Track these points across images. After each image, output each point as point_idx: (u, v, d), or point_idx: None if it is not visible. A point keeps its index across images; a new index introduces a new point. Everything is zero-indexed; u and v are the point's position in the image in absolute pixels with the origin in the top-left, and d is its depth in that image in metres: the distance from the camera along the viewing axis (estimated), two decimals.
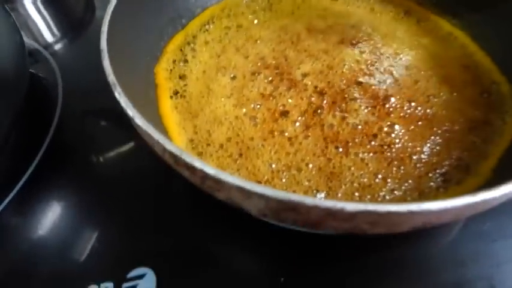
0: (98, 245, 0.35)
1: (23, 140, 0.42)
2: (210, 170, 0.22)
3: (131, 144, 0.43)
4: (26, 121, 0.42)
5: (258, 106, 0.37)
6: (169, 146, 0.23)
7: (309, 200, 0.20)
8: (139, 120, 0.25)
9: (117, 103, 0.28)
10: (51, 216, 0.38)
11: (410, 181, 0.32)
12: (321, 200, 0.20)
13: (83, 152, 0.43)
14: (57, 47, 0.57)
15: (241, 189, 0.22)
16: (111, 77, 0.28)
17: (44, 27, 0.60)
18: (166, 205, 0.37)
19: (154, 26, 0.43)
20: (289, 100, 0.37)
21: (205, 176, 0.23)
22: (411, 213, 0.20)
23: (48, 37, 0.59)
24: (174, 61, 0.42)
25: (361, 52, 0.42)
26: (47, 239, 0.36)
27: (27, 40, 0.50)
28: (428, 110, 0.37)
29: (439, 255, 0.32)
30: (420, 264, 0.32)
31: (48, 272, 0.34)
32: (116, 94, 0.27)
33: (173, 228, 0.35)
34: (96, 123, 0.47)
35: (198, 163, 0.22)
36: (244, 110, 0.36)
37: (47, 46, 0.56)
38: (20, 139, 0.41)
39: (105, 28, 0.32)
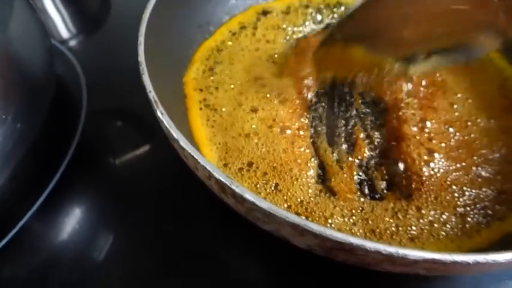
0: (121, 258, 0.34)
1: (49, 146, 0.41)
2: (262, 203, 0.21)
3: (153, 144, 0.42)
4: (51, 126, 0.41)
5: (294, 123, 0.36)
6: (218, 175, 0.22)
7: (370, 244, 0.19)
8: (184, 143, 0.24)
9: (156, 118, 0.27)
10: (76, 224, 0.37)
11: (447, 213, 0.31)
12: (383, 244, 0.19)
13: (107, 155, 0.42)
14: (75, 42, 0.55)
15: (294, 226, 0.21)
16: (152, 94, 0.27)
17: (60, 21, 0.59)
18: (185, 211, 0.36)
19: (184, 34, 0.42)
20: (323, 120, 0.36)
21: (255, 208, 0.22)
22: (477, 264, 0.19)
23: (65, 32, 0.57)
24: (203, 71, 0.41)
25: None
26: (71, 246, 0.35)
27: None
28: (466, 137, 0.36)
29: None
30: None
31: (66, 279, 0.33)
32: (158, 113, 0.26)
33: (190, 237, 0.34)
34: (120, 123, 0.46)
35: (249, 195, 0.21)
36: (277, 128, 0.35)
37: (64, 41, 0.54)
38: (46, 145, 0.40)
39: (141, 39, 0.31)
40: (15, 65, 0.34)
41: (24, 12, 0.38)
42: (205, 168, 0.23)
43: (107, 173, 0.40)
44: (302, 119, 0.36)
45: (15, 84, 0.34)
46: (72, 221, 0.37)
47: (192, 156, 0.23)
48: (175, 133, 0.25)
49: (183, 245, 0.34)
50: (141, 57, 0.30)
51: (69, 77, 0.49)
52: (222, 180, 0.22)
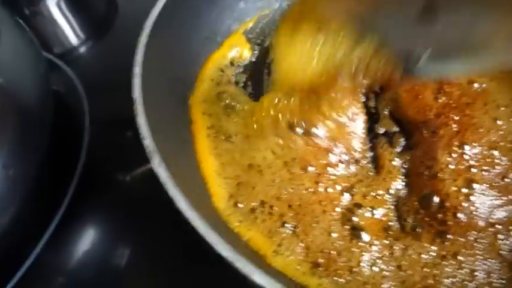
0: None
1: (52, 174, 0.38)
2: None
3: None
4: (53, 153, 0.38)
5: (318, 159, 0.31)
6: (225, 252, 0.19)
7: None
8: (190, 215, 0.20)
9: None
10: (90, 247, 0.35)
11: (491, 260, 0.27)
12: None
13: (117, 173, 0.40)
14: (76, 51, 0.52)
15: None
16: (148, 141, 0.23)
17: (69, 29, 0.55)
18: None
19: (190, 48, 0.38)
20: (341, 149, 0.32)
21: None
22: None
23: (74, 40, 0.54)
24: (210, 91, 0.37)
25: None
26: (87, 270, 0.34)
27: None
28: None
29: None
30: None
31: None
32: (155, 166, 0.22)
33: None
34: (128, 135, 0.42)
35: (263, 280, 0.18)
36: (298, 164, 0.31)
37: (65, 51, 0.51)
38: (49, 175, 0.37)
39: (138, 69, 0.27)
40: (4, 97, 0.31)
41: (13, 35, 0.35)
42: (214, 248, 0.19)
43: (118, 192, 0.38)
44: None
45: (5, 120, 0.31)
46: (85, 245, 0.36)
47: (199, 232, 0.20)
48: (172, 191, 0.21)
49: (201, 260, 0.31)
50: (136, 93, 0.26)
51: (68, 91, 0.46)
52: (230, 258, 0.19)
